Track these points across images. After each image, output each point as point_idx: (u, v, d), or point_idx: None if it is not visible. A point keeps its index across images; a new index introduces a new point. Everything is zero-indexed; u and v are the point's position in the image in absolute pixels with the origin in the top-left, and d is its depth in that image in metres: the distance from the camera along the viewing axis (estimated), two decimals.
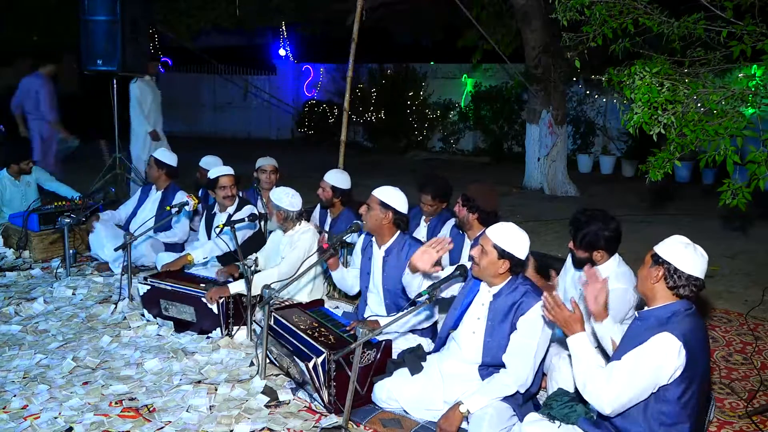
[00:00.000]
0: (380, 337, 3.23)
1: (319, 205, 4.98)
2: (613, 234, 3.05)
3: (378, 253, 3.61)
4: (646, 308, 2.44)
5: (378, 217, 3.49)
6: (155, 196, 5.34)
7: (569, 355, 2.55)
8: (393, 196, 3.51)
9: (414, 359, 3.11)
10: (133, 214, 5.39)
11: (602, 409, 2.32)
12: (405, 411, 3.08)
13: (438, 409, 2.94)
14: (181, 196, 5.14)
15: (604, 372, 2.33)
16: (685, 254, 2.33)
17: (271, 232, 4.58)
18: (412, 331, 3.56)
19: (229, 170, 4.69)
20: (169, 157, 5.31)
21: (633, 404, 2.31)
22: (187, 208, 4.69)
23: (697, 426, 2.37)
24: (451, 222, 4.30)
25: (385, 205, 3.48)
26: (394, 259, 3.53)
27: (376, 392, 3.15)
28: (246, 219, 4.25)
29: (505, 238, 2.81)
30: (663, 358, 2.24)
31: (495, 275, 2.86)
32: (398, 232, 3.57)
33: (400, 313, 2.96)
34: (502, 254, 2.81)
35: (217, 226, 4.37)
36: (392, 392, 3.08)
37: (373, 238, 3.65)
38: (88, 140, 8.21)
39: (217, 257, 4.60)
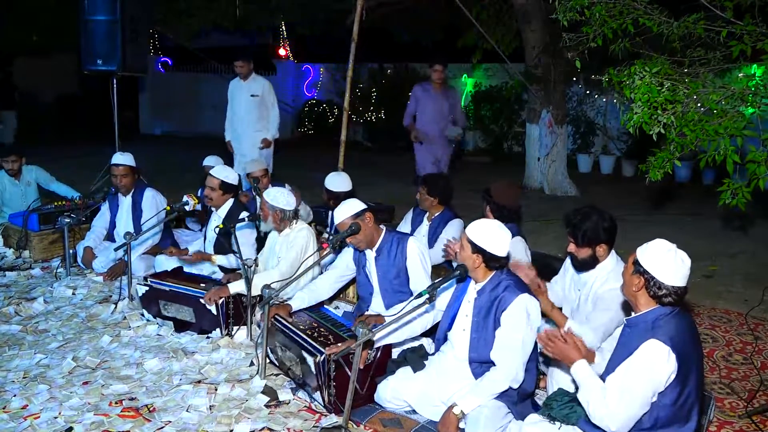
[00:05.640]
0: (384, 341, 3.21)
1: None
2: (611, 224, 3.04)
3: (370, 255, 3.63)
4: (633, 314, 2.43)
5: (366, 228, 3.48)
6: (126, 203, 5.16)
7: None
8: (348, 202, 3.52)
9: (416, 359, 3.12)
10: (113, 225, 5.22)
11: (609, 428, 2.29)
12: (412, 409, 3.08)
13: (442, 406, 2.95)
14: (149, 193, 5.12)
15: (602, 390, 2.32)
16: (665, 264, 2.29)
17: (266, 233, 4.58)
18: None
19: (215, 170, 4.62)
20: (124, 159, 5.08)
21: (639, 416, 2.28)
22: (187, 207, 4.68)
23: (695, 423, 2.36)
24: (454, 222, 4.43)
25: (357, 215, 3.47)
26: (384, 258, 3.57)
27: (380, 392, 3.15)
28: (246, 219, 4.25)
29: (480, 234, 2.84)
30: (654, 366, 2.23)
31: (472, 269, 2.90)
32: (383, 230, 3.60)
33: (399, 312, 2.95)
34: (474, 248, 2.85)
35: (218, 226, 4.36)
36: (398, 390, 3.08)
37: None
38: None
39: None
